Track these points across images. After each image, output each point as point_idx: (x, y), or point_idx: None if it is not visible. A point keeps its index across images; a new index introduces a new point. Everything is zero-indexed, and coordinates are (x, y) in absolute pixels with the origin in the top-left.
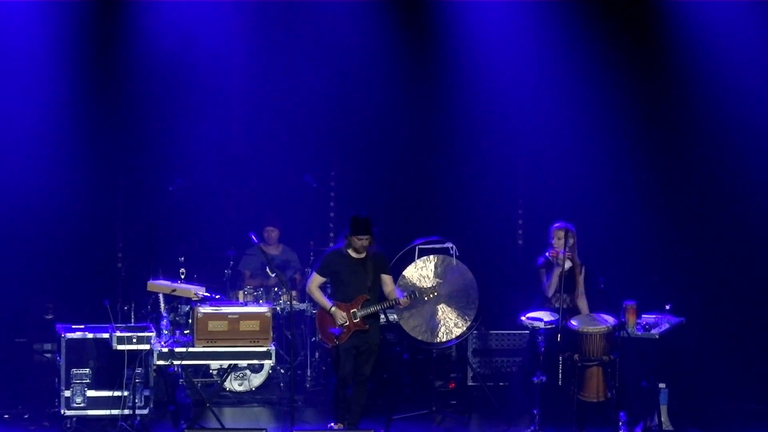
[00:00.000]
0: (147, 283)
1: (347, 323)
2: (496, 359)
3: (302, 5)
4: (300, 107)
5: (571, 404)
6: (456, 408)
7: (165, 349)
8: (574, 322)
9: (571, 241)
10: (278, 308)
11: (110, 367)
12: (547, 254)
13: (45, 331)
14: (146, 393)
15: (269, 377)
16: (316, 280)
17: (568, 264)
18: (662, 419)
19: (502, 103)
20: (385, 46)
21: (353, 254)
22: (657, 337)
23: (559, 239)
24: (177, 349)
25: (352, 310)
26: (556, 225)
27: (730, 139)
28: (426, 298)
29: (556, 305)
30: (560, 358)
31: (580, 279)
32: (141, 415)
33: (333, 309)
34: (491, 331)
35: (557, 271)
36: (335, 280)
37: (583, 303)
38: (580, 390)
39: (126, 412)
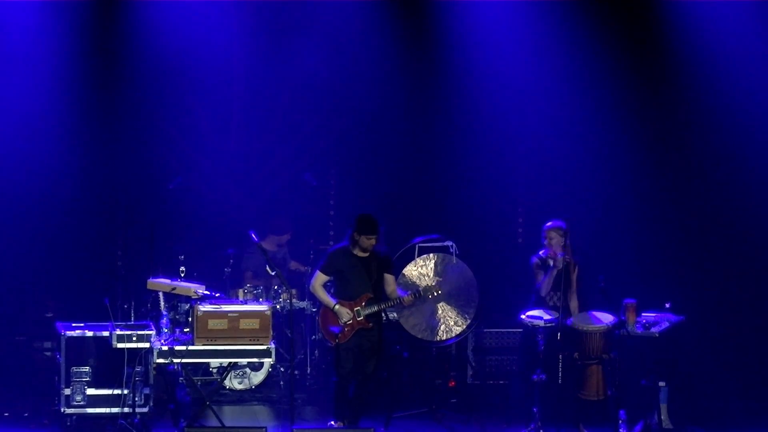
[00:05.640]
0: (147, 281)
1: (351, 321)
2: (496, 357)
3: (303, 5)
4: (300, 106)
5: (571, 402)
6: (456, 406)
7: (165, 348)
8: (574, 321)
9: (566, 239)
10: (278, 306)
11: (110, 366)
12: (541, 254)
13: (45, 329)
14: (146, 391)
15: (269, 375)
16: (320, 278)
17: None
18: (662, 417)
19: (503, 103)
20: (386, 46)
21: (358, 253)
22: (657, 335)
23: (557, 239)
24: (177, 348)
25: (355, 309)
26: (549, 225)
27: (730, 138)
28: (429, 296)
29: (551, 304)
30: (560, 356)
31: (574, 277)
32: (141, 413)
33: (337, 307)
34: (491, 330)
35: (554, 272)
36: (339, 278)
37: (574, 302)
38: (580, 388)
39: (126, 410)
